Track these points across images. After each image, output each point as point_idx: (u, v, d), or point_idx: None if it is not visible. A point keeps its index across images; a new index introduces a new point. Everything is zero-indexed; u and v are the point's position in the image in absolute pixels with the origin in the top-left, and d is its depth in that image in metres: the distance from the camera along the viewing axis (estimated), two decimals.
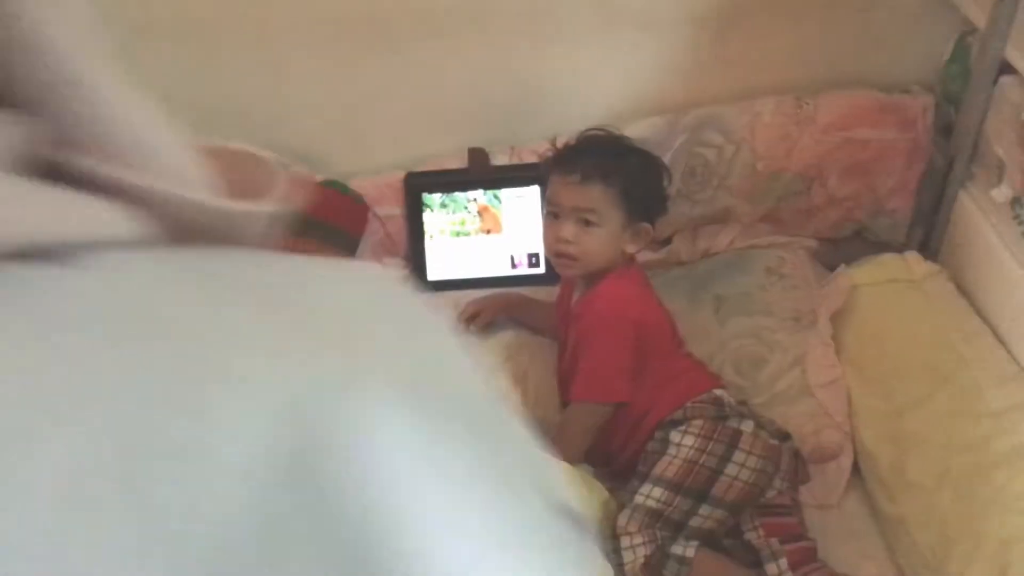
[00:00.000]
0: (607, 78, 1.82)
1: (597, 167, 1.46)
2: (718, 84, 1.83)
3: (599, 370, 1.48)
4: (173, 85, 1.72)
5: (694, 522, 1.40)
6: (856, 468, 1.57)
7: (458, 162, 1.84)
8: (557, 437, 1.53)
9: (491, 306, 1.72)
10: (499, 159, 1.84)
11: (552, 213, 1.51)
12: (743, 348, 1.65)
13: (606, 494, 1.48)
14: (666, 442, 1.43)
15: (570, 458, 1.50)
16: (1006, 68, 1.56)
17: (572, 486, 1.42)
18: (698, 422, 1.43)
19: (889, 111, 1.76)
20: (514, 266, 1.86)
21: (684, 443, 1.42)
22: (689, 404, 1.47)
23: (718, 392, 1.50)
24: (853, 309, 1.69)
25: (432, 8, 1.70)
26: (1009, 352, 1.54)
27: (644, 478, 1.42)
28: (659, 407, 1.48)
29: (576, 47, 1.77)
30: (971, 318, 1.60)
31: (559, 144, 1.55)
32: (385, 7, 1.69)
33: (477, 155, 1.82)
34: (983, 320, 1.61)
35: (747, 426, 1.45)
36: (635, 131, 1.75)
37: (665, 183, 1.55)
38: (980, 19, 1.58)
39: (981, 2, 1.57)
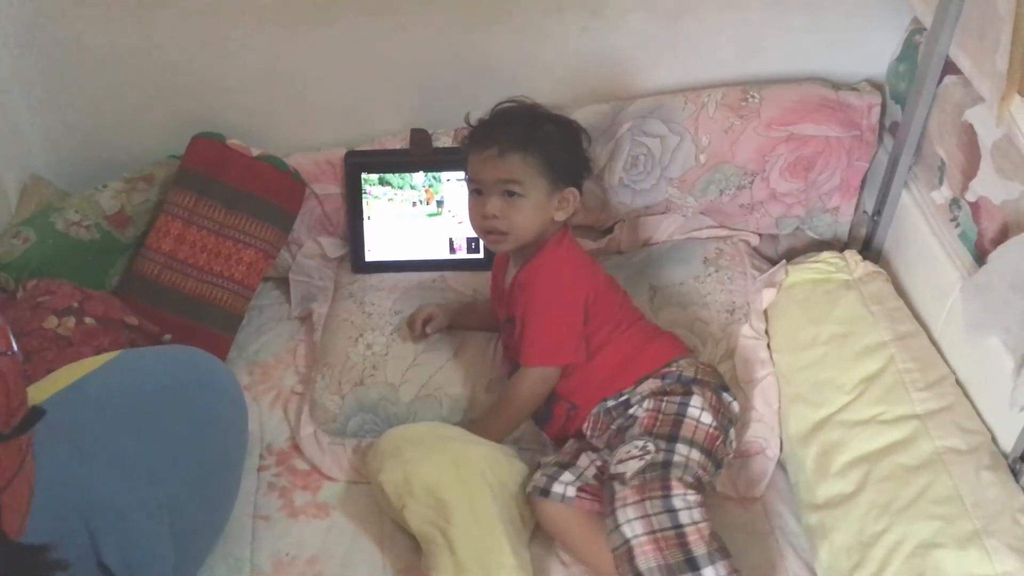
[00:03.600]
0: (554, 62, 1.79)
1: (514, 137, 1.44)
2: (665, 74, 1.81)
3: (548, 334, 1.47)
4: (111, 51, 1.70)
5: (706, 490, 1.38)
6: (782, 463, 1.56)
7: (400, 142, 1.81)
8: (503, 403, 1.51)
9: (444, 314, 1.66)
10: (442, 141, 1.81)
11: (476, 190, 1.49)
12: None
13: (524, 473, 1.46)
14: (683, 405, 1.41)
15: (512, 423, 1.51)
16: (952, 68, 1.54)
17: (493, 461, 1.42)
18: (708, 395, 1.43)
19: (834, 108, 1.74)
20: (453, 250, 1.83)
21: (706, 410, 1.41)
22: (683, 361, 1.48)
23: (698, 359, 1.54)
24: (788, 305, 1.68)
25: None
26: (941, 354, 1.52)
27: (669, 438, 1.37)
28: (642, 363, 1.48)
29: (524, 30, 1.75)
30: (906, 320, 1.59)
31: (473, 121, 1.52)
32: None
33: (419, 136, 1.79)
34: (918, 322, 1.59)
35: (735, 407, 1.47)
36: (580, 117, 1.73)
37: (584, 144, 1.54)
38: (928, 17, 1.56)
39: (929, 0, 1.55)
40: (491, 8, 1.72)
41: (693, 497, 1.29)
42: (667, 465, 1.33)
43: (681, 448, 1.36)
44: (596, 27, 1.76)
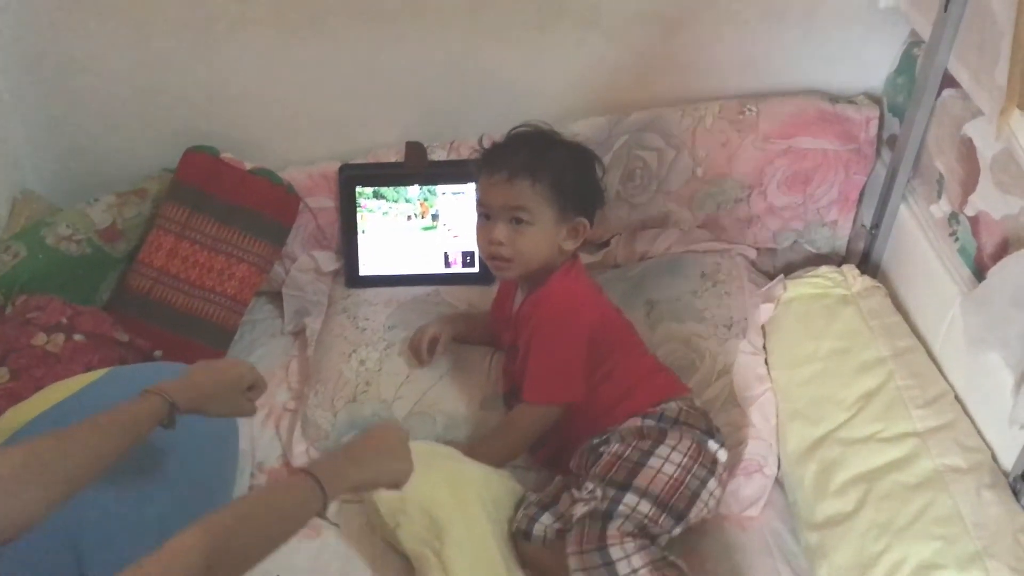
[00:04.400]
0: (550, 75, 1.78)
1: (523, 163, 1.41)
2: (662, 87, 1.79)
3: (550, 371, 1.44)
4: (103, 64, 1.69)
5: (662, 540, 1.32)
6: (780, 481, 1.54)
7: (395, 155, 1.80)
8: (502, 434, 1.49)
9: (447, 331, 1.63)
10: (437, 154, 1.80)
11: (484, 215, 1.46)
12: (673, 354, 1.61)
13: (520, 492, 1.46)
14: (648, 453, 1.36)
15: (509, 455, 1.48)
16: (950, 81, 1.53)
17: (488, 480, 1.41)
18: (686, 442, 1.37)
19: (832, 121, 1.73)
20: (448, 264, 1.81)
21: (670, 460, 1.35)
22: (672, 403, 1.42)
23: (693, 400, 1.47)
24: (786, 320, 1.66)
25: None
26: (940, 370, 1.51)
27: (620, 487, 1.32)
28: (633, 401, 1.43)
29: (519, 41, 1.74)
30: (904, 335, 1.57)
31: (486, 144, 1.50)
32: None
33: (414, 149, 1.78)
34: (917, 337, 1.58)
35: (722, 455, 1.41)
36: (576, 130, 1.72)
37: (598, 173, 1.49)
38: (926, 31, 1.55)
39: (927, 13, 1.54)
40: (488, 20, 1.71)
41: (632, 544, 1.24)
42: (608, 516, 1.28)
43: (630, 498, 1.30)
44: (593, 40, 1.74)
